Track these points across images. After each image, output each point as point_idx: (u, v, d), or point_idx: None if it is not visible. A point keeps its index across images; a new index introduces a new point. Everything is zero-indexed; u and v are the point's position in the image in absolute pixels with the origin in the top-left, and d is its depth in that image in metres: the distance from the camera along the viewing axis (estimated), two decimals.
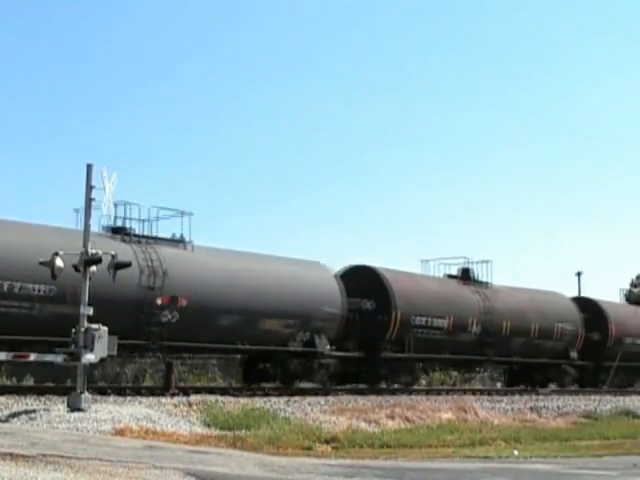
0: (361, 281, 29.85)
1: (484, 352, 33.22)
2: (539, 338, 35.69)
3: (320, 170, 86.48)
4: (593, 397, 32.95)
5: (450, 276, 34.22)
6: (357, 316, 28.91)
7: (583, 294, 44.03)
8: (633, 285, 64.79)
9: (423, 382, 36.45)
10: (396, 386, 29.95)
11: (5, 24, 75.00)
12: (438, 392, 30.05)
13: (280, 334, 26.42)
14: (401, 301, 29.78)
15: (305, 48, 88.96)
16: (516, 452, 18.93)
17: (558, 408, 29.64)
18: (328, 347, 27.61)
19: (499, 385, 38.07)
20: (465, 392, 31.05)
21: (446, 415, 24.73)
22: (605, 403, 31.66)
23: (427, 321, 30.71)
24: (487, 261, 34.42)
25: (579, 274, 44.96)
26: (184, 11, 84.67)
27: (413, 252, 76.42)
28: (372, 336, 29.09)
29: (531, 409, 28.60)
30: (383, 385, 29.79)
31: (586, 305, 39.45)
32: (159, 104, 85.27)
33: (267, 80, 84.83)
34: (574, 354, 37.50)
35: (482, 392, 31.79)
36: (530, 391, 33.83)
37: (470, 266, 34.34)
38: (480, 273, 34.47)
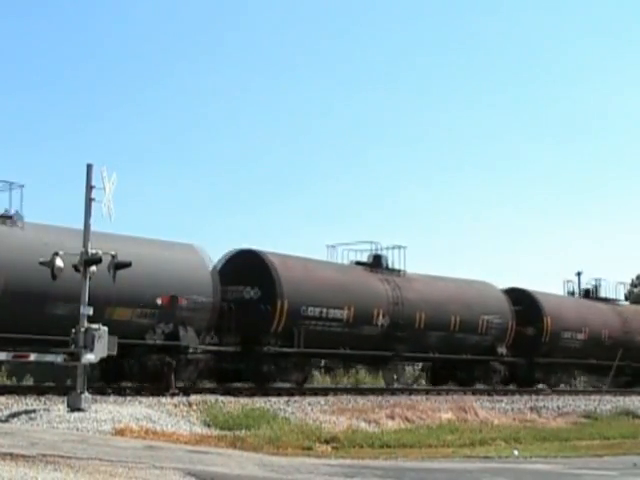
0: (245, 267, 26.51)
1: (393, 347, 29.78)
2: (460, 332, 32.20)
3: (319, 169, 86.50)
4: (593, 397, 32.94)
5: (358, 263, 30.83)
6: (233, 306, 25.33)
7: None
8: (633, 285, 64.78)
9: (423, 382, 36.45)
10: (288, 385, 27.25)
11: (5, 24, 75.05)
12: (438, 392, 30.01)
13: (135, 325, 22.87)
14: (289, 289, 26.31)
15: (305, 47, 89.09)
16: (516, 452, 18.92)
17: (558, 408, 29.65)
18: (197, 341, 24.33)
19: (423, 383, 35.55)
20: (465, 392, 31.03)
21: (446, 415, 24.74)
22: (605, 403, 31.66)
23: (321, 312, 27.22)
24: (400, 247, 31.18)
25: (579, 274, 44.68)
26: (184, 11, 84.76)
27: (413, 252, 76.28)
28: (255, 328, 25.63)
29: (531, 409, 28.61)
30: (274, 384, 26.86)
31: (520, 297, 36.02)
32: (159, 104, 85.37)
33: (267, 79, 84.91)
34: (502, 350, 34.07)
35: (482, 392, 31.74)
36: (530, 391, 33.75)
37: (383, 252, 31.09)
38: (395, 261, 31.28)
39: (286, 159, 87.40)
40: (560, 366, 37.89)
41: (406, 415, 23.73)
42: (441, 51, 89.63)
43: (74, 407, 18.13)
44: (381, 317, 29.17)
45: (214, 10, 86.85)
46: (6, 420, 17.39)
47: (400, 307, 29.77)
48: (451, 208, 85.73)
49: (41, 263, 19.09)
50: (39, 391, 20.39)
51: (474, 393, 30.96)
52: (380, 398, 26.00)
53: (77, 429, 16.89)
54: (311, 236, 76.06)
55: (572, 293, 41.67)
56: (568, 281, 41.91)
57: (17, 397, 19.17)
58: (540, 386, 36.14)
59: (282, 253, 27.84)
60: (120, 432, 17.06)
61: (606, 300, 42.04)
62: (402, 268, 31.22)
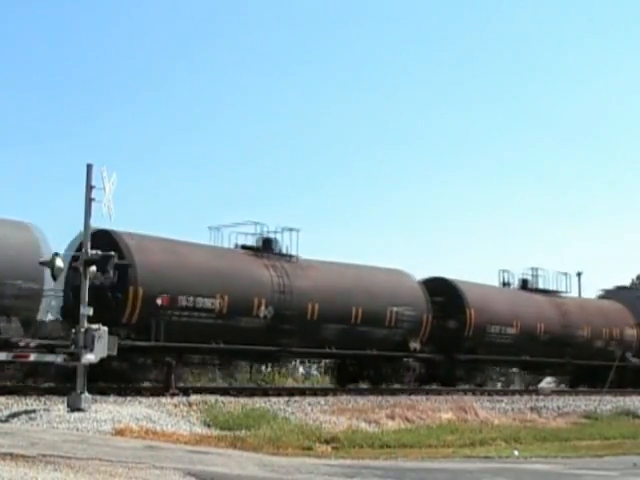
0: (97, 250, 23.37)
1: (279, 341, 26.36)
2: (364, 325, 28.49)
3: (319, 169, 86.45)
4: (593, 397, 32.92)
5: (244, 247, 27.46)
6: (71, 294, 22.39)
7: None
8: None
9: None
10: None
11: (5, 24, 75.04)
12: (438, 392, 29.96)
13: None
14: (145, 274, 23.16)
15: (305, 48, 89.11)
16: (516, 452, 18.91)
17: (558, 408, 29.64)
18: (22, 333, 21.35)
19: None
20: (465, 392, 31.00)
21: (446, 415, 24.73)
22: (605, 403, 31.62)
23: (187, 301, 24.00)
24: (293, 229, 27.65)
25: (579, 274, 44.55)
26: (184, 11, 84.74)
27: (416, 253, 76.49)
28: (104, 320, 21.60)
29: (531, 409, 28.60)
30: (144, 384, 23.88)
31: (442, 287, 32.50)
32: (159, 104, 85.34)
33: (267, 79, 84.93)
34: (416, 345, 30.24)
35: (482, 392, 31.72)
36: (530, 391, 33.68)
37: (274, 236, 27.62)
38: (288, 245, 27.74)
39: (287, 159, 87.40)
40: (487, 363, 34.49)
41: (406, 415, 23.72)
42: (441, 51, 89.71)
43: (74, 407, 18.13)
44: (263, 307, 25.70)
45: (214, 10, 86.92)
46: (6, 420, 17.39)
47: (288, 296, 26.24)
48: (450, 208, 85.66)
49: (41, 263, 19.08)
50: (39, 391, 20.37)
51: (474, 393, 30.95)
52: (380, 398, 25.98)
53: (77, 429, 16.89)
54: (312, 236, 75.90)
55: (507, 284, 37.18)
56: (504, 271, 37.33)
57: (17, 397, 19.15)
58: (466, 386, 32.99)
59: (142, 234, 24.51)
60: (120, 432, 17.06)
61: (545, 292, 37.83)
62: (295, 253, 27.66)
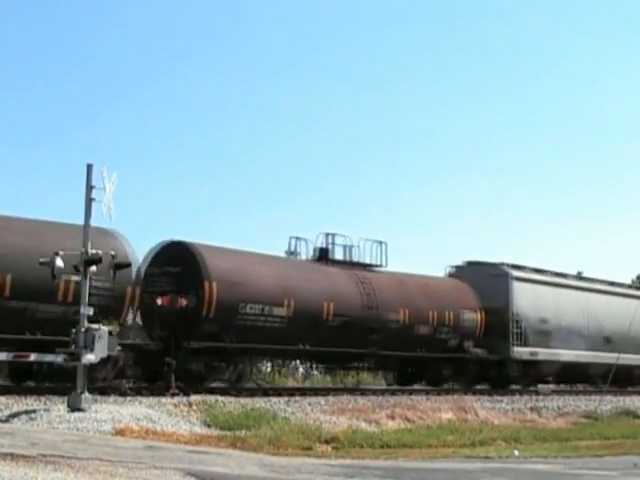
0: None
1: None
2: (18, 299, 20.68)
3: (320, 169, 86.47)
4: (593, 397, 32.96)
5: None
6: None
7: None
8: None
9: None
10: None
11: (4, 24, 75.07)
12: (438, 392, 29.95)
13: None
14: None
15: (306, 47, 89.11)
16: (516, 452, 18.93)
17: (558, 408, 29.69)
18: None
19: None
20: (466, 392, 31.00)
21: (446, 415, 24.74)
22: (605, 403, 31.65)
23: None
24: None
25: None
26: (183, 10, 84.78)
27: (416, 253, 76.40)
28: None
29: (531, 409, 28.63)
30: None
31: (179, 255, 24.77)
32: (159, 104, 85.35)
33: (267, 79, 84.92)
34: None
35: (482, 392, 31.70)
36: (530, 391, 33.67)
37: None
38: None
39: (287, 159, 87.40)
40: (242, 354, 26.12)
41: (406, 415, 23.74)
42: (443, 51, 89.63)
43: (74, 407, 18.13)
44: None
45: (214, 11, 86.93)
46: (6, 420, 17.39)
47: None
48: (449, 208, 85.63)
49: (41, 263, 19.08)
50: (39, 391, 20.37)
51: (474, 393, 30.95)
52: (380, 398, 25.99)
53: (77, 429, 16.89)
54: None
55: (293, 253, 29.19)
56: (296, 238, 29.22)
57: (17, 397, 19.15)
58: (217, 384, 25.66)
59: None
60: (120, 432, 17.07)
61: (347, 264, 29.75)
62: None
